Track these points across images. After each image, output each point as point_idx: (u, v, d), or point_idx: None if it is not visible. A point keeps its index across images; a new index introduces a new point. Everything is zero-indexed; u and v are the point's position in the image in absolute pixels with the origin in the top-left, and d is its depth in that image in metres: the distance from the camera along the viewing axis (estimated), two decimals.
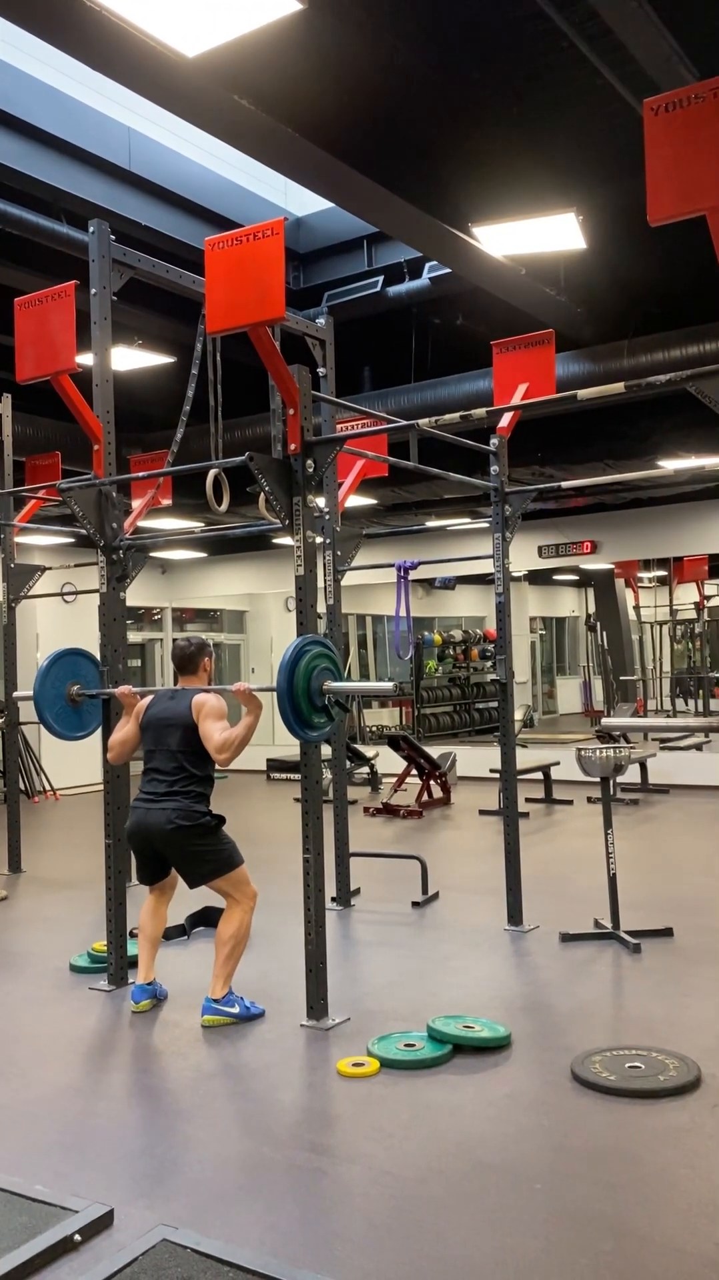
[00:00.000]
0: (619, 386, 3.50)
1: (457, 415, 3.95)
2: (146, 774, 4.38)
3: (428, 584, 16.63)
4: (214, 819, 4.28)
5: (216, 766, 4.35)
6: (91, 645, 5.02)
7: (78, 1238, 2.56)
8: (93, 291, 4.67)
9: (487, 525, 5.65)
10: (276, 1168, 3.01)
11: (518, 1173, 2.91)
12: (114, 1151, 3.12)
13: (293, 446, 4.11)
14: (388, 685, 4.29)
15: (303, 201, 7.45)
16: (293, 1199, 2.83)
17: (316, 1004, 4.14)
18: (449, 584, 17.39)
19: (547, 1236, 2.59)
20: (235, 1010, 4.17)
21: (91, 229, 4.69)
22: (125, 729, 4.51)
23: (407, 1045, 3.79)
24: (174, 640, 4.67)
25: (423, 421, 4.16)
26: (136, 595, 4.53)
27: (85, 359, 4.66)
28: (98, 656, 4.98)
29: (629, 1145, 3.06)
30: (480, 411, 4.05)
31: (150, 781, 4.34)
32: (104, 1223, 2.65)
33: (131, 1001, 4.35)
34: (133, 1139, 3.22)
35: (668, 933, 5.23)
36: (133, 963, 4.74)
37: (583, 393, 3.64)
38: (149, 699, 4.52)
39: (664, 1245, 2.52)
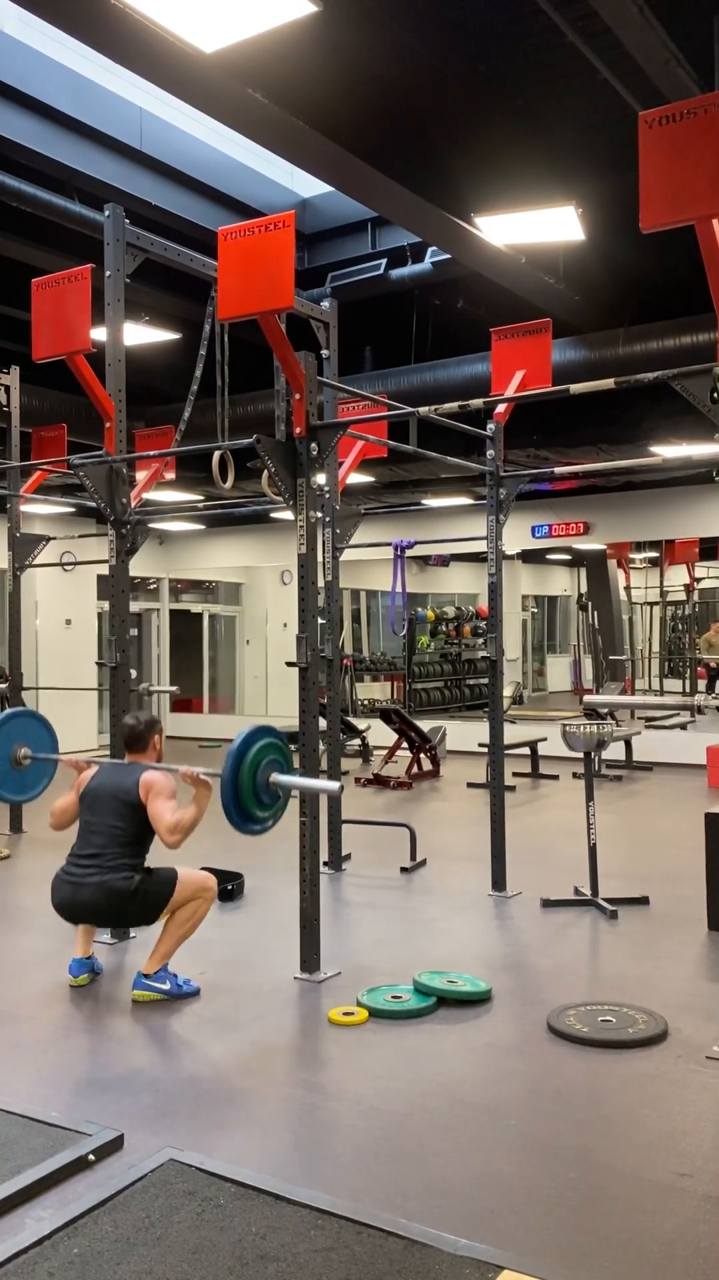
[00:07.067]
0: (609, 382, 3.70)
1: (455, 405, 4.15)
2: (77, 844, 4.21)
3: (422, 560, 16.82)
4: (140, 874, 4.11)
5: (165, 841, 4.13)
6: (89, 613, 5.18)
7: (91, 1157, 2.81)
8: (107, 274, 4.83)
9: (482, 504, 5.84)
10: (272, 1102, 3.26)
11: (494, 1110, 3.17)
12: (121, 1086, 3.37)
13: (298, 430, 4.30)
14: (335, 785, 4.28)
15: (308, 183, 7.57)
16: (287, 1129, 3.08)
17: (310, 958, 4.39)
18: (443, 561, 17.60)
19: (518, 1164, 2.84)
20: (166, 986, 4.15)
21: (107, 213, 4.84)
22: (68, 798, 4.37)
23: (394, 997, 4.05)
24: (125, 720, 4.57)
25: (423, 409, 4.35)
26: (134, 566, 4.64)
27: (96, 334, 4.82)
28: (47, 724, 4.92)
29: (598, 1089, 3.32)
30: (478, 402, 4.25)
31: (79, 855, 4.17)
32: (114, 1145, 2.90)
33: (69, 975, 4.34)
34: (137, 1076, 3.47)
35: (644, 901, 5.49)
36: None
37: (575, 387, 3.84)
38: (94, 770, 4.39)
39: (625, 1173, 2.78)
